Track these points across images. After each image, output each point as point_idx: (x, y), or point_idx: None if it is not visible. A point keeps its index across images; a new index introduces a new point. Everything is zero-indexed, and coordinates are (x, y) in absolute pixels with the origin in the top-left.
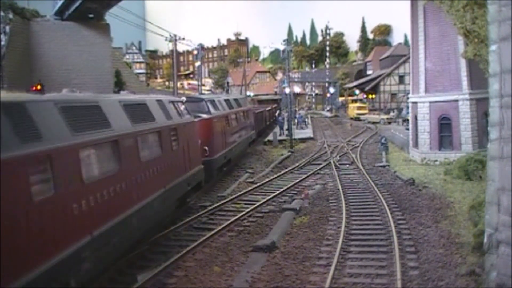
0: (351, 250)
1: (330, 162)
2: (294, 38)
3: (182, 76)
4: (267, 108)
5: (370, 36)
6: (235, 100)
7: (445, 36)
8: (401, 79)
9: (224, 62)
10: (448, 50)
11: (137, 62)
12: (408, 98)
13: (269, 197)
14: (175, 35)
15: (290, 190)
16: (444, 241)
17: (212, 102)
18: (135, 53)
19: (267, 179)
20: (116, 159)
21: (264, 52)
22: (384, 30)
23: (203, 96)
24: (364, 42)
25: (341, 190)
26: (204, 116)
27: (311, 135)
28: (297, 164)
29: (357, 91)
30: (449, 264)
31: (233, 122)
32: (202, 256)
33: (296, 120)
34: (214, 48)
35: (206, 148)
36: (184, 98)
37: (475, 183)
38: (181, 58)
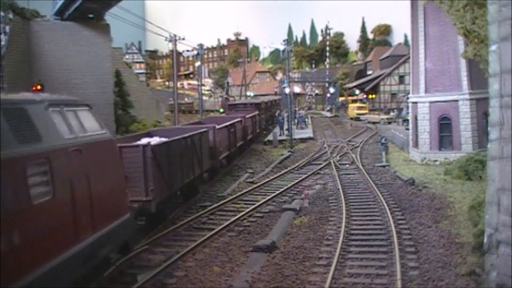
0: (351, 250)
1: (330, 162)
2: (294, 38)
3: (182, 76)
4: (225, 124)
5: (370, 36)
6: None
7: (445, 36)
8: (401, 79)
9: (224, 62)
10: (448, 50)
11: (137, 62)
12: (408, 98)
13: (269, 197)
14: (175, 35)
15: (290, 190)
16: (444, 241)
17: None
18: (135, 53)
19: (267, 179)
20: None
21: (264, 52)
22: (384, 30)
23: None
24: (364, 42)
25: (341, 190)
26: None
27: (311, 135)
28: (297, 164)
29: (357, 91)
30: (449, 264)
31: None
32: (202, 256)
33: (296, 120)
34: (214, 48)
35: None
36: None
37: (475, 183)
38: (181, 58)
